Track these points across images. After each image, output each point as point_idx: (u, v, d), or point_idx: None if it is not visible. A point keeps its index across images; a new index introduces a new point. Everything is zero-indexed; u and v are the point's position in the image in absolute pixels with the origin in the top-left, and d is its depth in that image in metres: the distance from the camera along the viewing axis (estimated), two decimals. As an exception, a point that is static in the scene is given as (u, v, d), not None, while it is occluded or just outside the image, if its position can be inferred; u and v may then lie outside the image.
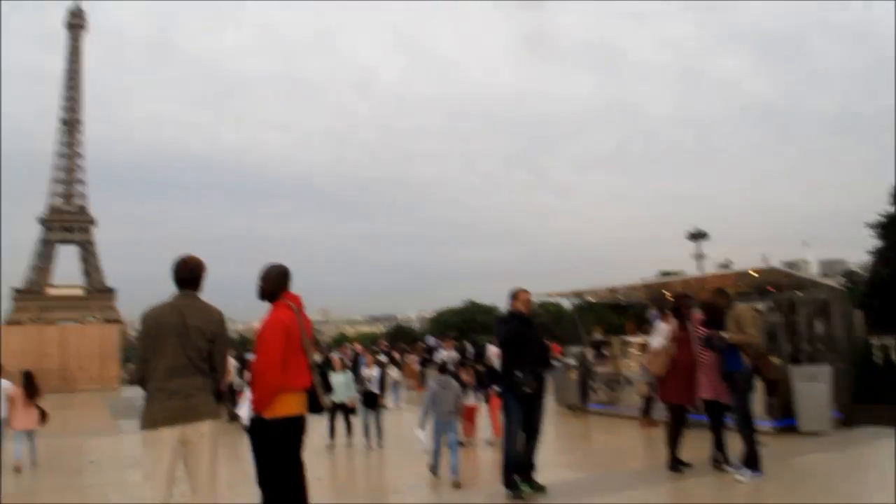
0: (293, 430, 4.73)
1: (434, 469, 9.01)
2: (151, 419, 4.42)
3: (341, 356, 14.77)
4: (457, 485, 8.39)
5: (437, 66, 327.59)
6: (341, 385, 11.93)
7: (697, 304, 8.57)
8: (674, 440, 8.41)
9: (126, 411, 20.38)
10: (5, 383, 11.86)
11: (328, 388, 5.25)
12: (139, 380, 4.62)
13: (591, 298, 23.12)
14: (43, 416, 11.71)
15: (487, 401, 12.31)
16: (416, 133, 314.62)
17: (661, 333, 8.74)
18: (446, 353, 17.03)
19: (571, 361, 15.90)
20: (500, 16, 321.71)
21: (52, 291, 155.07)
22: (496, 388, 11.75)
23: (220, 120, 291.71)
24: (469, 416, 12.01)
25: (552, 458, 9.70)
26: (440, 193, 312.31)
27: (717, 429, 8.49)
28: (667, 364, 8.29)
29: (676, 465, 8.38)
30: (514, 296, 7.26)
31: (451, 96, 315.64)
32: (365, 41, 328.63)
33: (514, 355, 6.91)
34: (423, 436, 9.33)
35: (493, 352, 15.69)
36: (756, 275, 12.68)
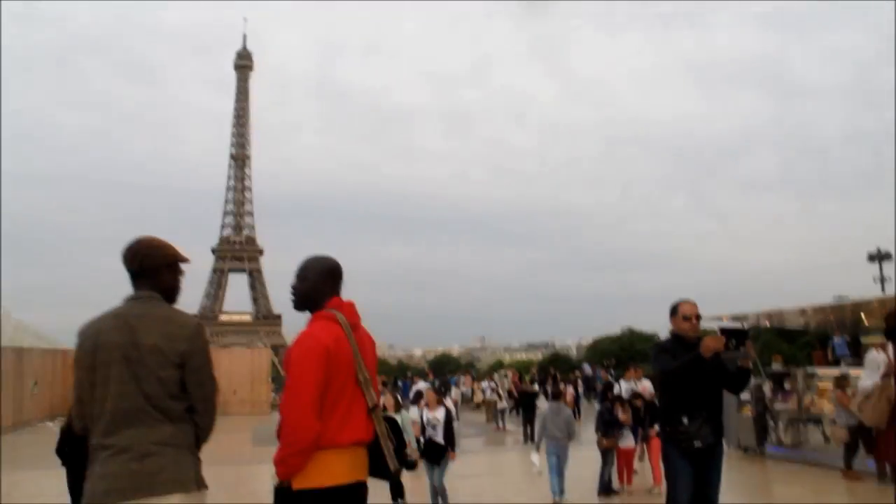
0: None
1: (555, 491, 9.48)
2: (91, 492, 2.79)
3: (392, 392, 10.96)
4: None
5: (592, 92, 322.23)
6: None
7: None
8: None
9: (269, 438, 19.91)
10: None
11: (400, 441, 3.43)
12: (80, 429, 3.01)
13: (763, 322, 20.63)
14: None
15: (647, 442, 10.51)
16: (573, 160, 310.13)
17: (873, 367, 6.52)
18: (627, 385, 14.18)
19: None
20: (654, 37, 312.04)
21: (224, 318, 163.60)
22: (657, 427, 9.98)
23: (379, 152, 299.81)
24: (626, 460, 10.28)
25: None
26: (597, 220, 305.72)
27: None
28: (886, 410, 6.11)
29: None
30: (675, 310, 5.09)
31: (608, 122, 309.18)
32: (520, 70, 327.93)
33: (678, 395, 4.83)
34: (537, 459, 9.69)
35: (640, 387, 13.41)
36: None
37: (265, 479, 7.82)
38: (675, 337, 5.05)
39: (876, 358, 6.41)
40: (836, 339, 19.99)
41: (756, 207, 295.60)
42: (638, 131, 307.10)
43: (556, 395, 10.42)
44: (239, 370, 31.46)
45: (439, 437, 8.86)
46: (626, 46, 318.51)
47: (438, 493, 8.68)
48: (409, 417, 9.70)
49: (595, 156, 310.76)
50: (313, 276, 3.34)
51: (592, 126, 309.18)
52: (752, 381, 13.64)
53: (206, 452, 2.93)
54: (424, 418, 9.21)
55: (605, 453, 10.06)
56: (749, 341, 4.58)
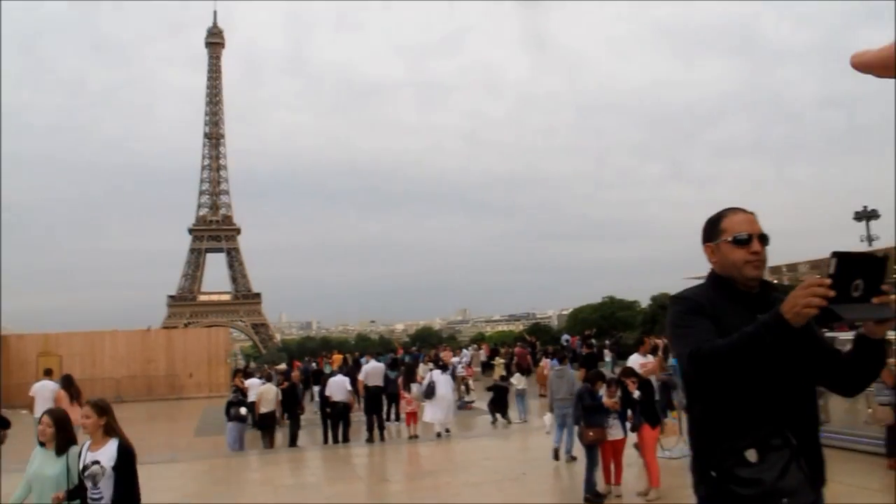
0: None
1: (557, 453, 10.25)
2: None
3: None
4: (572, 458, 9.92)
5: (564, 61, 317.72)
6: (43, 482, 4.82)
7: None
8: None
9: (214, 426, 17.80)
10: (52, 384, 12.94)
11: None
12: None
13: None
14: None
15: (636, 431, 8.33)
16: (549, 129, 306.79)
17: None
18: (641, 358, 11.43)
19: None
20: (628, 5, 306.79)
21: (203, 297, 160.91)
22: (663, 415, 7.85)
23: (353, 127, 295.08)
24: (612, 453, 8.12)
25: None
26: (574, 190, 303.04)
27: None
28: None
29: None
30: (715, 228, 2.42)
31: (582, 91, 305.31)
32: (491, 40, 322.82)
33: (731, 402, 2.20)
34: (548, 419, 10.96)
35: (636, 363, 10.89)
36: None
37: (169, 485, 5.65)
38: (718, 281, 2.41)
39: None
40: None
41: (732, 172, 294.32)
42: (613, 99, 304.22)
43: (562, 359, 11.92)
44: (195, 351, 29.21)
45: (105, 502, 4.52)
46: (600, 15, 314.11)
47: None
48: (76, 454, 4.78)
49: (571, 124, 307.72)
50: None
51: (567, 95, 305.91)
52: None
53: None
54: (81, 463, 4.64)
55: (590, 448, 7.91)
56: (888, 284, 1.97)
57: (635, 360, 11.28)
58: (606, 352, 29.45)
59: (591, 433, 7.91)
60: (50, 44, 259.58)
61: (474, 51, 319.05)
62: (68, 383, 12.53)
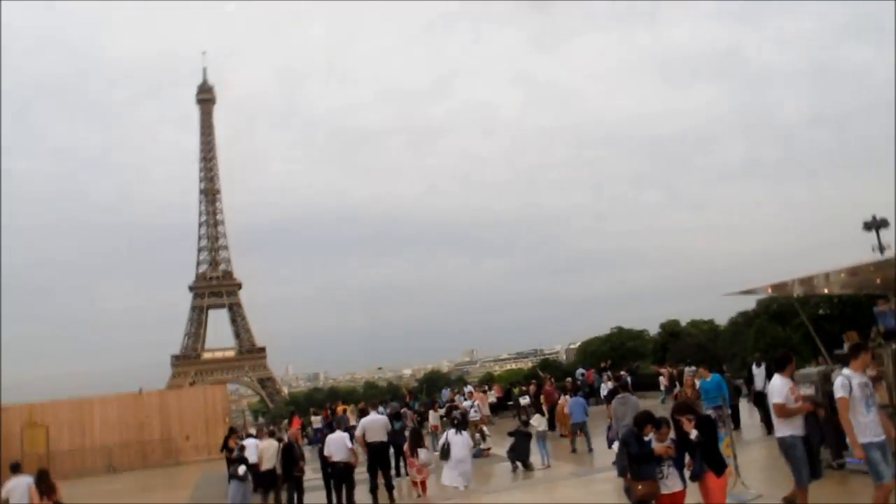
0: None
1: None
2: None
3: None
4: None
5: (556, 96, 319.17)
6: None
7: None
8: None
9: (213, 492, 16.36)
10: (27, 479, 12.23)
11: None
12: None
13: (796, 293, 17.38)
14: None
15: (697, 480, 6.84)
16: (544, 166, 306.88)
17: None
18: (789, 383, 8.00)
19: None
20: (611, 38, 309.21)
21: (207, 355, 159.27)
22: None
23: (349, 175, 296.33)
24: (669, 509, 6.62)
25: None
26: (573, 223, 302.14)
27: None
28: None
29: None
30: None
31: (573, 125, 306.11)
32: (482, 82, 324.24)
33: None
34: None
35: (784, 389, 7.64)
36: None
37: None
38: None
39: None
40: (881, 310, 16.44)
41: (729, 196, 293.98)
42: (605, 131, 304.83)
43: (624, 387, 12.50)
44: (191, 412, 27.64)
45: None
46: (586, 49, 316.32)
47: None
48: None
49: (565, 159, 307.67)
50: None
51: (560, 130, 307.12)
52: (815, 368, 10.18)
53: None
54: None
55: (641, 506, 6.43)
56: None
57: (781, 387, 7.70)
58: (661, 379, 27.39)
59: (640, 487, 6.45)
60: (41, 111, 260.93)
61: (464, 93, 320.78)
62: (40, 479, 12.22)
